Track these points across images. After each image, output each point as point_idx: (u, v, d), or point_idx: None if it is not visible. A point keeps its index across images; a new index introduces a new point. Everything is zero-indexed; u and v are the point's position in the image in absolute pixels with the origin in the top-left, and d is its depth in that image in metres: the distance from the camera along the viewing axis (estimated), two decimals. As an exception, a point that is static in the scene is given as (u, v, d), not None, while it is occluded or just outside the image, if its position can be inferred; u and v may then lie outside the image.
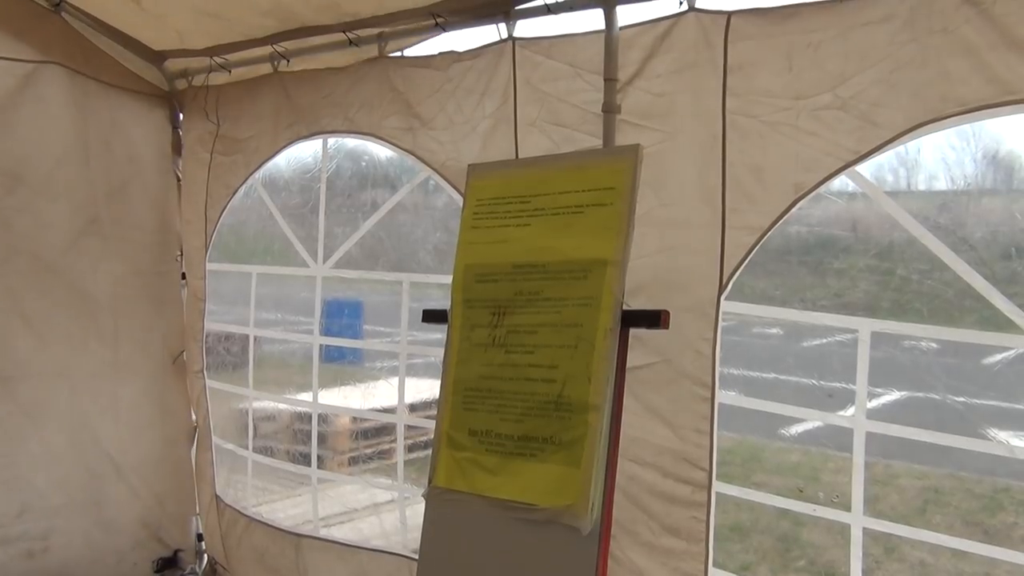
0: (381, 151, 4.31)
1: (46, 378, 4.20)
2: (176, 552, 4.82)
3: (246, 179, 4.39)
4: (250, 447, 4.63)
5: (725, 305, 2.88)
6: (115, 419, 4.47)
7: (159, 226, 4.68)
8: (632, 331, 2.46)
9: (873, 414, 2.81)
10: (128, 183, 4.50)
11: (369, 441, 7.36)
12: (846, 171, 2.64)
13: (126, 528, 4.55)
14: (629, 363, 2.49)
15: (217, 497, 4.68)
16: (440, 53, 3.58)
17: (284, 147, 4.22)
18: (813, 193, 2.72)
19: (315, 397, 4.39)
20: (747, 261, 2.83)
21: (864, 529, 2.80)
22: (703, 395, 2.92)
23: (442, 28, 3.50)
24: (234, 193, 4.45)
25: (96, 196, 4.35)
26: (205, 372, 4.71)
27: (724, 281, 2.85)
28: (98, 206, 4.36)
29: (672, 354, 2.95)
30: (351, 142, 4.36)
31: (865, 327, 2.73)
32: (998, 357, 8.81)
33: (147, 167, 4.61)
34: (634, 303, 2.83)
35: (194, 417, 4.85)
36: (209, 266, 4.61)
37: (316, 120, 4.04)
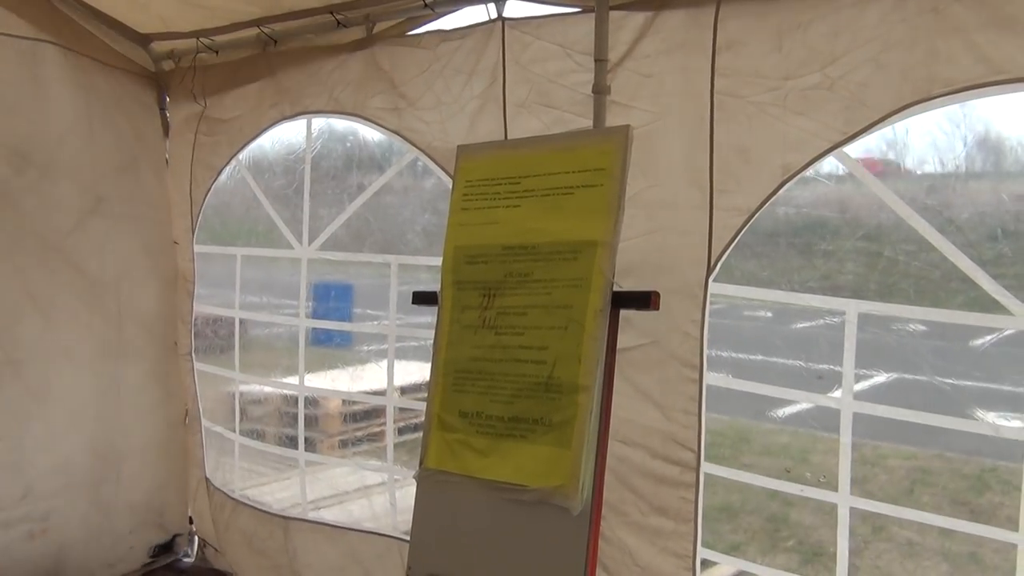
0: (367, 132, 4.28)
1: (53, 360, 4.17)
2: (174, 536, 4.82)
3: (229, 160, 4.35)
4: (237, 430, 4.62)
5: (713, 287, 2.88)
6: (117, 401, 4.45)
7: (166, 205, 4.64)
8: (621, 313, 2.45)
9: (861, 395, 2.83)
10: (138, 159, 4.44)
11: (359, 424, 7.35)
12: (834, 152, 2.63)
13: (125, 511, 4.53)
14: (619, 345, 2.49)
15: (207, 480, 4.67)
16: (427, 32, 3.55)
17: (268, 127, 4.18)
18: (801, 175, 2.71)
19: (301, 380, 4.38)
20: (735, 243, 2.83)
21: (852, 509, 2.83)
22: (691, 376, 2.93)
23: (430, 8, 3.47)
24: (218, 174, 4.41)
25: (104, 174, 4.29)
26: (193, 355, 4.69)
27: (712, 263, 2.86)
28: (106, 184, 4.30)
29: (660, 335, 2.96)
30: (337, 123, 4.32)
31: (852, 308, 2.74)
32: (985, 339, 8.86)
33: (154, 145, 4.57)
34: (623, 284, 2.83)
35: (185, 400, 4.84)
36: (197, 248, 4.59)
37: (300, 100, 4.00)
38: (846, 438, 2.79)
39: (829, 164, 2.76)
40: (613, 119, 2.98)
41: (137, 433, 4.54)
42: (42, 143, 4.07)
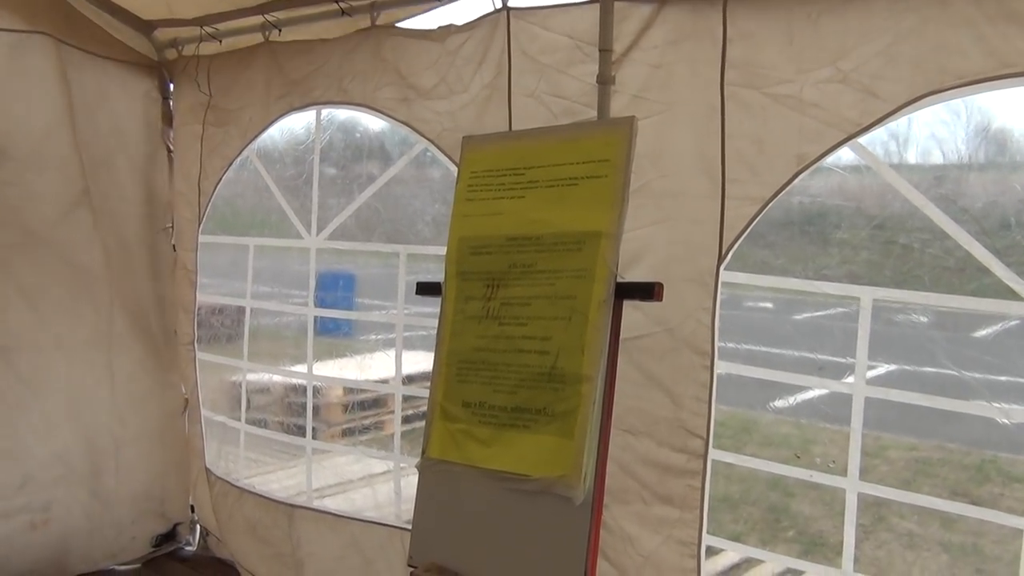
0: (375, 122, 4.27)
1: (44, 349, 4.18)
2: (175, 526, 4.85)
3: (241, 151, 4.35)
4: (243, 419, 4.63)
5: (725, 275, 2.89)
6: (111, 391, 4.46)
7: (146, 198, 4.63)
8: (633, 301, 2.46)
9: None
10: (114, 155, 4.44)
11: (364, 413, 7.37)
12: (848, 143, 2.64)
13: (126, 501, 4.56)
14: (631, 332, 2.50)
15: (207, 469, 4.69)
16: (438, 27, 3.54)
17: (277, 118, 4.17)
18: (815, 165, 2.72)
19: (310, 368, 4.40)
20: (747, 231, 2.84)
21: (857, 496, 2.84)
22: (703, 364, 2.93)
23: (436, -2, 3.47)
24: (229, 165, 4.41)
25: (84, 167, 4.29)
26: (196, 344, 4.70)
27: (724, 251, 2.86)
28: (86, 178, 4.30)
29: (673, 323, 2.96)
30: (344, 114, 4.31)
31: (867, 295, 2.75)
32: (989, 330, 8.85)
33: (132, 138, 4.55)
34: (633, 273, 2.84)
35: (183, 389, 4.84)
36: (202, 238, 4.58)
37: (309, 91, 4.00)
38: (857, 423, 2.79)
39: (840, 152, 2.76)
40: (621, 110, 2.97)
41: (134, 423, 4.56)
42: (25, 136, 4.07)
